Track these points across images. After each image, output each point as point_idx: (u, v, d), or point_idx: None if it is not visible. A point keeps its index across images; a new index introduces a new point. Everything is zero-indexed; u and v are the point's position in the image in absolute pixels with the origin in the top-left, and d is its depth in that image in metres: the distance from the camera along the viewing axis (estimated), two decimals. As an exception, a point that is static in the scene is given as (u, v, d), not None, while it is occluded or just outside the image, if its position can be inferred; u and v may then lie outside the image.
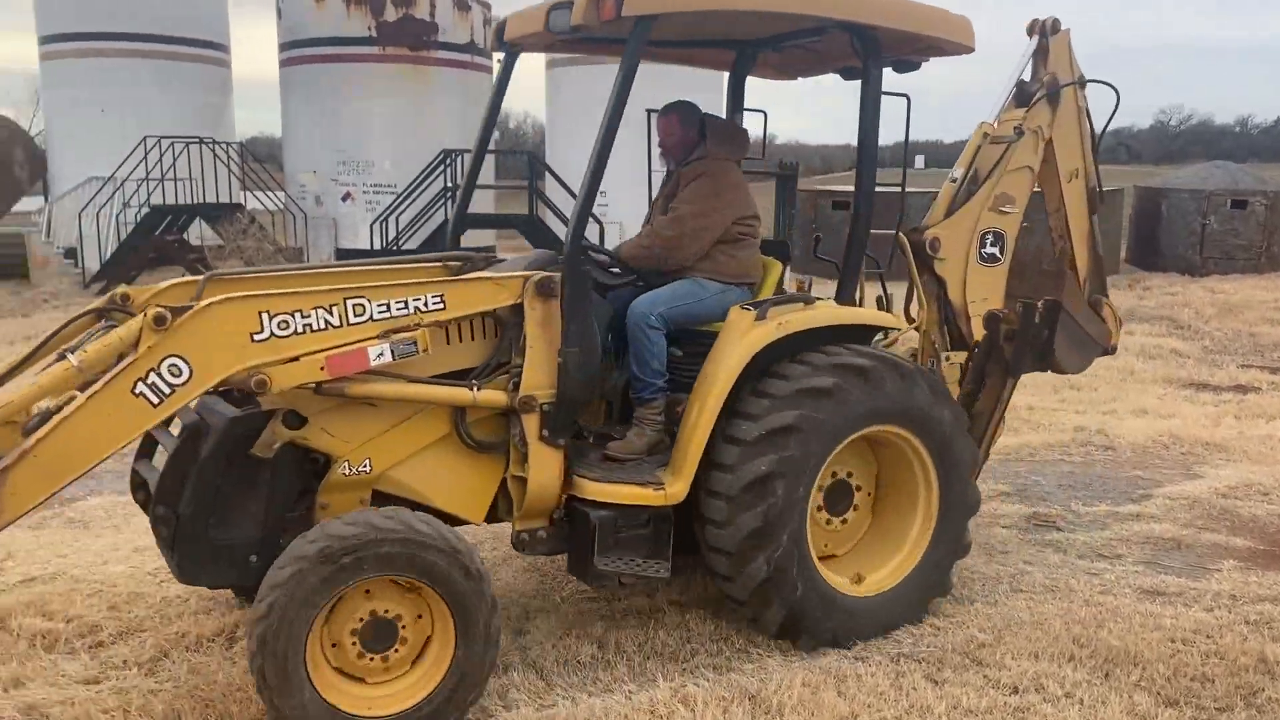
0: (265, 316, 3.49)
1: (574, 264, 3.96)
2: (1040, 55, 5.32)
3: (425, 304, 3.77)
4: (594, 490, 4.04)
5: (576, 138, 18.54)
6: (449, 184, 17.89)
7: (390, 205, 18.37)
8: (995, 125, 5.23)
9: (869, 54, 4.42)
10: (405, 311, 3.72)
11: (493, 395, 3.94)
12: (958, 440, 4.52)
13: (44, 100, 22.30)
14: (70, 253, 19.30)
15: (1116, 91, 5.30)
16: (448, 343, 3.96)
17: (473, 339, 4.02)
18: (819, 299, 4.53)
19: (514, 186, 19.44)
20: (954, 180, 5.17)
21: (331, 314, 3.61)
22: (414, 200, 18.30)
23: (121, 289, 3.78)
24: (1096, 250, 5.59)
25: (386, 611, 3.54)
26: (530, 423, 3.97)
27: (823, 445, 4.17)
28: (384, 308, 3.69)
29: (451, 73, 20.42)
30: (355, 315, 3.65)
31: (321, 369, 3.57)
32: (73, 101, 20.74)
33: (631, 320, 4.34)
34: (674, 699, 3.81)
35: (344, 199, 20.24)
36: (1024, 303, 5.01)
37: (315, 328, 3.58)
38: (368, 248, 18.38)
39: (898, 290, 5.21)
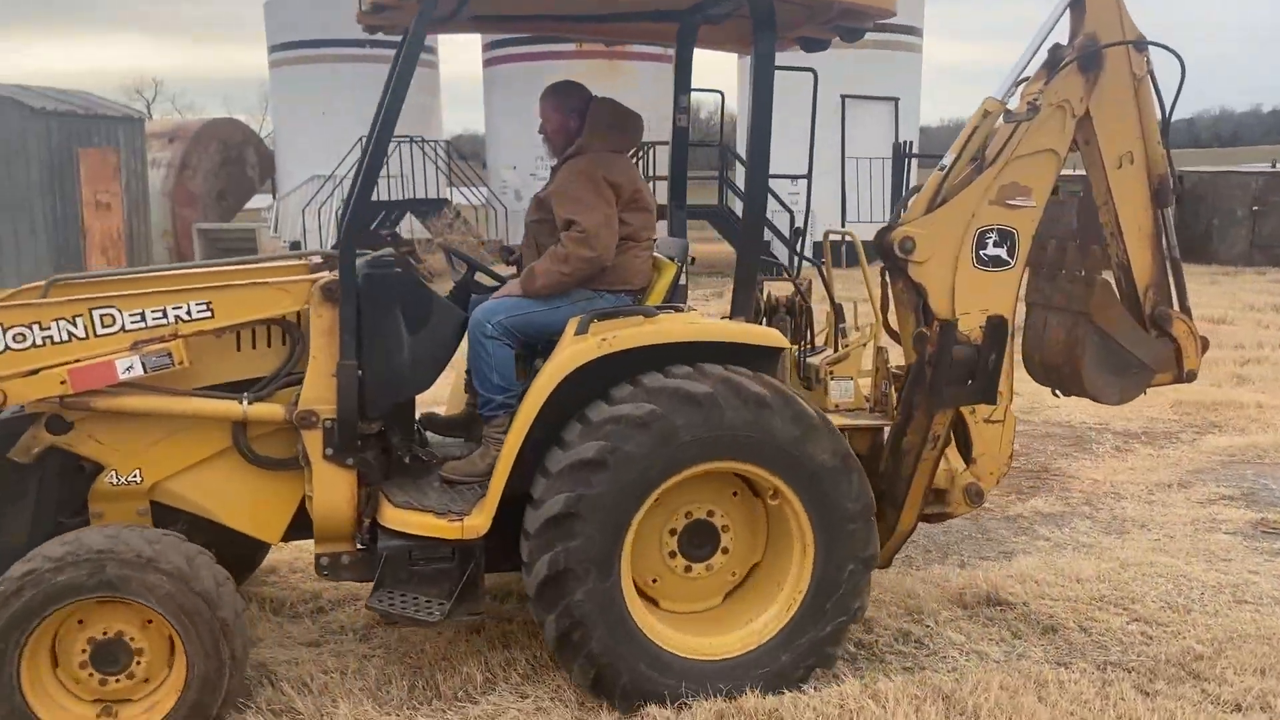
0: None
1: (347, 265, 3.64)
2: (1077, 11, 4.38)
3: (188, 313, 3.62)
4: (390, 517, 3.74)
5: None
6: (647, 175, 18.24)
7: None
8: (1004, 100, 4.40)
9: (758, 22, 3.86)
10: (162, 321, 3.60)
11: (268, 409, 3.71)
12: (839, 483, 3.76)
13: (272, 105, 24.11)
14: (295, 246, 20.75)
15: (1181, 59, 4.38)
16: (238, 350, 3.79)
17: (268, 346, 3.81)
18: (689, 311, 3.94)
19: (704, 177, 19.53)
20: (942, 169, 4.40)
21: (75, 325, 3.55)
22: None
23: None
24: (1164, 252, 4.63)
25: (105, 633, 3.45)
26: (311, 440, 3.71)
27: (637, 484, 3.59)
28: (137, 317, 3.59)
29: (647, 66, 20.72)
30: (104, 326, 3.57)
31: (63, 383, 3.50)
32: (297, 105, 22.28)
33: (469, 329, 4.05)
34: (864, 694, 3.76)
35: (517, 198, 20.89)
36: (942, 321, 4.17)
37: (56, 339, 3.53)
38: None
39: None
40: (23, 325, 3.51)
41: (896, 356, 4.42)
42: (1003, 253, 4.42)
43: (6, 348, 3.50)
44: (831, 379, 4.54)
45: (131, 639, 3.45)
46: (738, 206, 17.44)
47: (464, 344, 4.14)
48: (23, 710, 3.33)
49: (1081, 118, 4.44)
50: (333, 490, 3.74)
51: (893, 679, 3.90)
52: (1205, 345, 4.74)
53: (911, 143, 18.81)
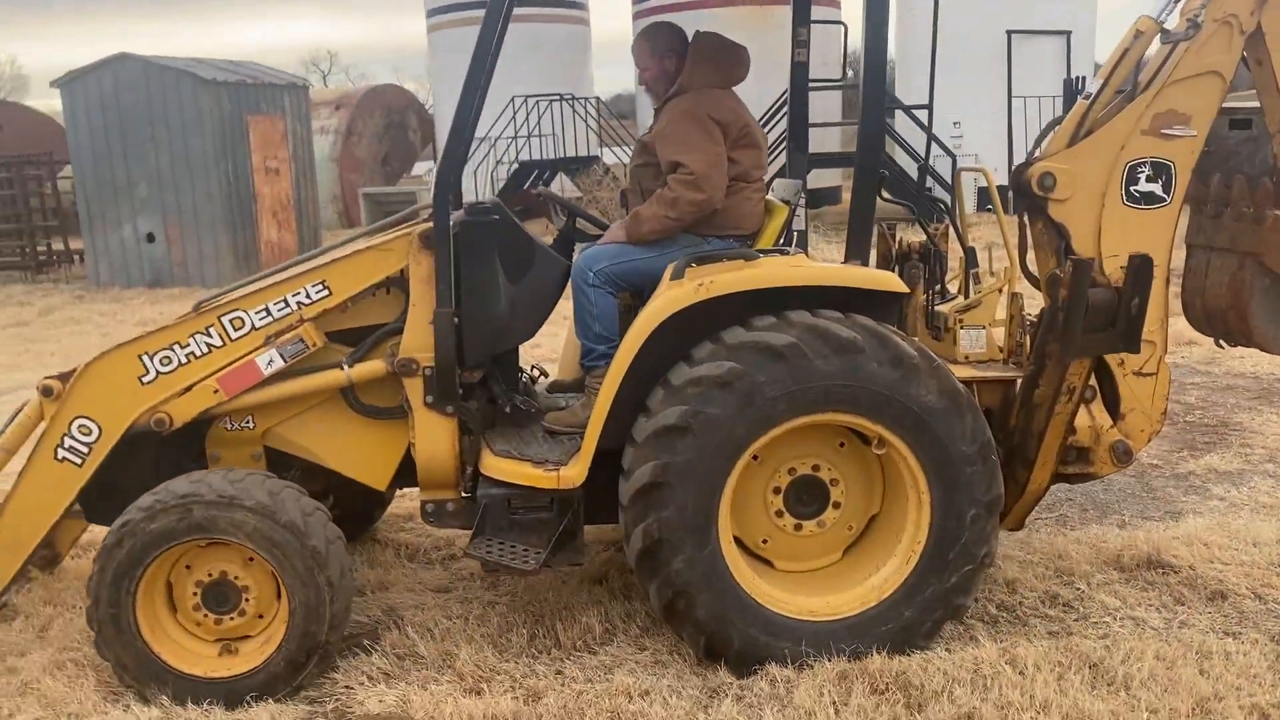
0: (146, 359, 3.70)
1: (441, 212, 3.61)
2: None
3: (307, 296, 3.74)
4: (490, 466, 3.69)
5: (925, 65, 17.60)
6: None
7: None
8: (1160, 19, 3.94)
9: None
10: (286, 310, 3.74)
11: (369, 367, 3.76)
12: (950, 424, 3.47)
13: (430, 68, 24.63)
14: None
15: None
16: (374, 297, 3.84)
17: (389, 294, 3.86)
18: (797, 254, 3.72)
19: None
20: (1088, 97, 3.97)
21: (210, 335, 3.73)
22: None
23: None
24: None
25: (211, 575, 3.55)
26: (413, 388, 3.72)
27: (725, 446, 3.43)
28: (263, 314, 3.74)
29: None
30: (235, 330, 3.74)
31: (215, 392, 3.71)
32: (454, 67, 22.68)
33: (572, 277, 3.93)
34: (1001, 659, 3.52)
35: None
36: (1075, 260, 3.69)
37: (198, 354, 3.73)
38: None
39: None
40: (165, 349, 3.74)
41: (1035, 304, 4.09)
42: (1157, 188, 4.03)
43: (157, 374, 3.73)
44: (961, 328, 4.23)
45: (236, 577, 3.56)
46: (897, 153, 16.79)
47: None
48: (145, 655, 3.48)
49: (1252, 34, 3.99)
50: (434, 438, 3.74)
51: (1035, 643, 3.64)
52: None
53: (1085, 79, 17.59)
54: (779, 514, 3.74)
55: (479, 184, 19.95)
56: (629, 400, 3.57)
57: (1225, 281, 4.18)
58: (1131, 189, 4.01)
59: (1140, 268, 3.66)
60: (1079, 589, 4.13)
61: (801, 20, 4.63)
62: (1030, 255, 4.23)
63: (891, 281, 3.70)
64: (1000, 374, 4.10)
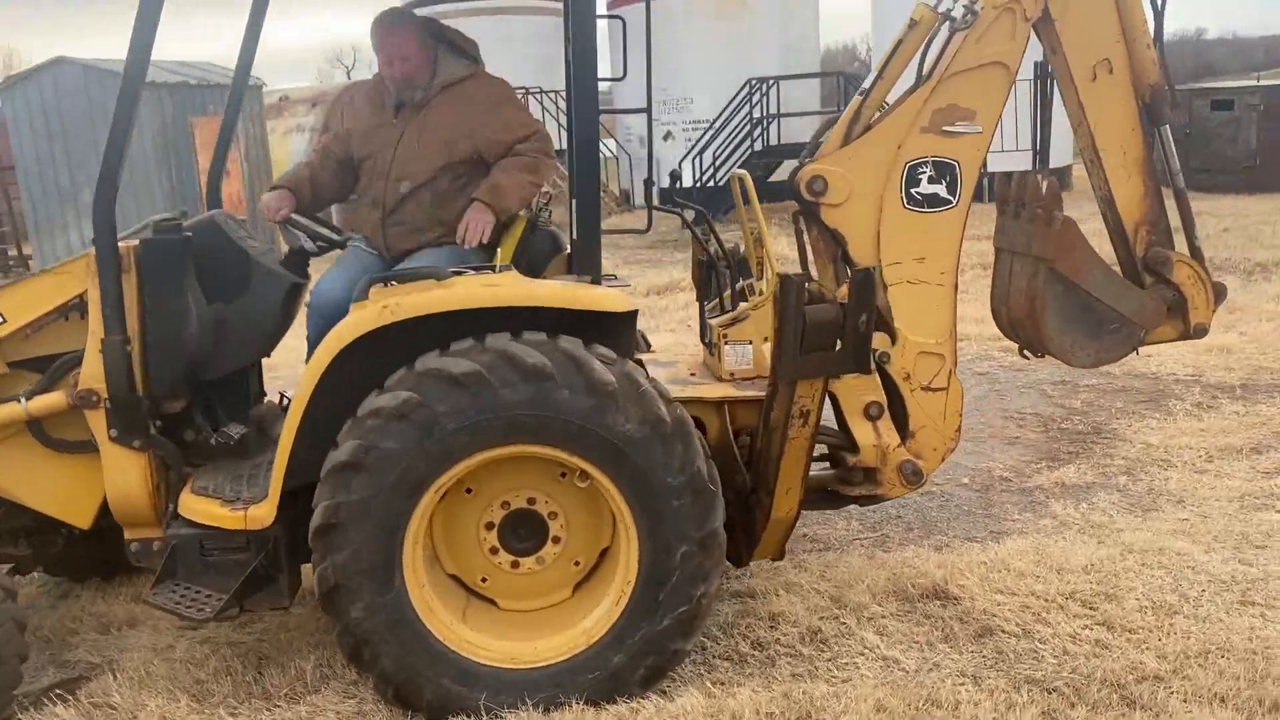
0: None
1: (101, 234, 3.32)
2: None
3: None
4: (183, 503, 3.47)
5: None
6: (763, 115, 17.52)
7: (698, 140, 18.22)
8: (935, 6, 3.65)
9: None
10: None
11: (48, 400, 3.52)
12: (651, 454, 3.18)
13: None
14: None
15: None
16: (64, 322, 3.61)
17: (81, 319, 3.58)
18: (506, 272, 3.41)
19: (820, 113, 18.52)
20: (862, 94, 3.70)
21: None
22: (727, 133, 18.07)
23: None
24: (1155, 181, 3.77)
25: None
26: (96, 421, 3.48)
27: (403, 484, 3.16)
28: None
29: (772, -1, 19.74)
30: None
31: None
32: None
33: (311, 301, 3.71)
34: (706, 709, 3.23)
35: (664, 138, 20.32)
36: (783, 276, 3.35)
37: None
38: (689, 185, 18.37)
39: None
40: None
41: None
42: (941, 189, 3.75)
43: None
44: (725, 343, 3.95)
45: None
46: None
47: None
48: None
49: (1040, 19, 3.69)
50: (122, 474, 3.50)
51: (759, 692, 3.36)
52: (1220, 293, 3.92)
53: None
54: (494, 551, 3.49)
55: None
56: (327, 433, 3.33)
57: (1023, 288, 3.90)
58: (912, 191, 3.74)
59: (863, 282, 3.36)
60: (845, 624, 3.85)
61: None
62: (813, 264, 3.98)
63: (605, 300, 3.41)
64: (749, 394, 3.81)
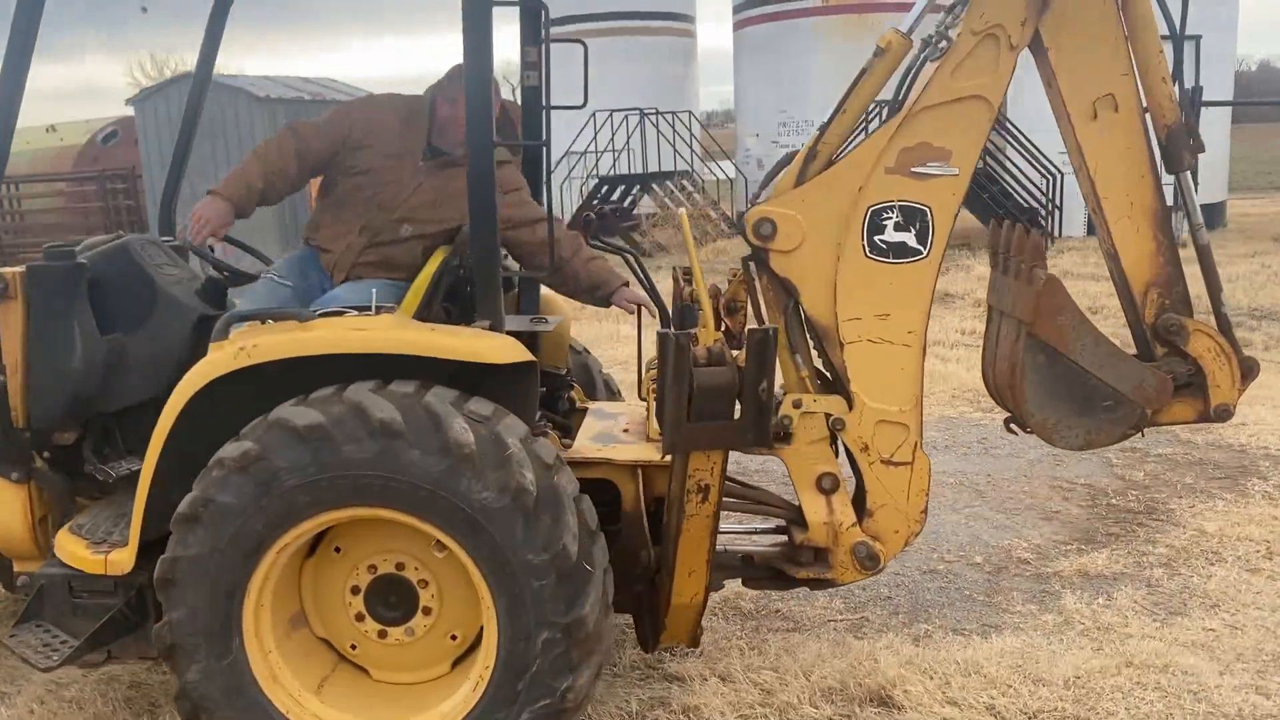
0: None
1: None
2: None
3: None
4: (56, 540, 3.34)
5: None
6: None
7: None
8: (908, 33, 3.20)
9: None
10: None
11: None
12: (510, 528, 2.85)
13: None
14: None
15: None
16: None
17: None
18: (387, 313, 3.15)
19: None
20: (820, 129, 3.28)
21: None
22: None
23: None
24: (1169, 237, 3.23)
25: None
26: None
27: (240, 542, 2.91)
28: None
29: (897, 19, 19.01)
30: None
31: None
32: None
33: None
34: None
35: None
36: (662, 334, 2.96)
37: None
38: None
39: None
40: None
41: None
42: (909, 238, 3.29)
43: None
44: (654, 397, 3.57)
45: None
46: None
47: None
48: None
49: (1034, 47, 3.24)
50: (1, 506, 3.41)
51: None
52: (1250, 370, 3.34)
53: (1202, 89, 15.79)
54: (360, 617, 3.22)
55: (567, 198, 19.82)
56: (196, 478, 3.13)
57: (1006, 353, 3.42)
58: (876, 239, 3.29)
59: (762, 341, 2.94)
60: None
61: (530, 39, 4.06)
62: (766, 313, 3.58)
63: (481, 351, 3.09)
64: (661, 458, 3.42)
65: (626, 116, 19.13)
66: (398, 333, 3.10)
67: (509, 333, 3.27)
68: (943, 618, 4.27)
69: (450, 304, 3.66)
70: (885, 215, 3.27)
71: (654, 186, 19.24)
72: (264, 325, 3.13)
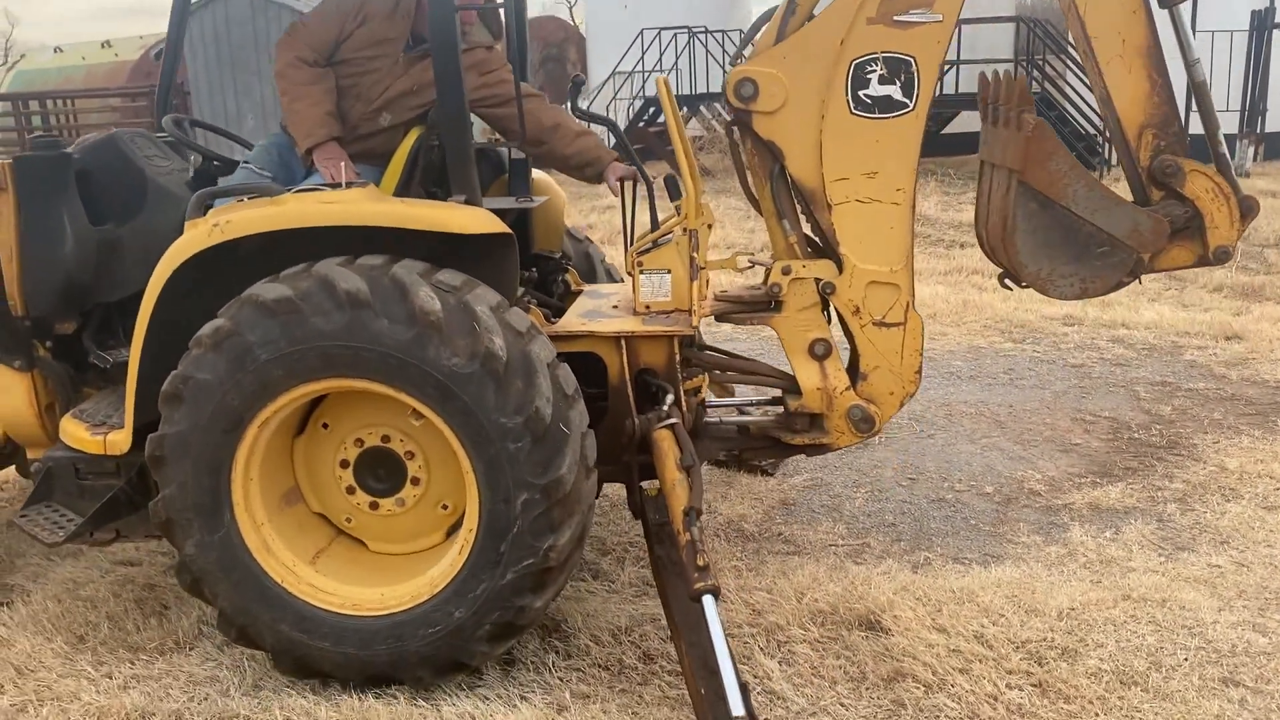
0: None
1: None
2: None
3: None
4: (62, 426, 3.49)
5: None
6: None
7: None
8: None
9: None
10: None
11: None
12: (481, 393, 2.89)
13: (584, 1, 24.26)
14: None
15: None
16: None
17: None
18: (361, 187, 3.21)
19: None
20: None
21: None
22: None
23: None
24: (1163, 76, 3.16)
25: None
26: None
27: (220, 417, 3.00)
28: None
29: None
30: None
31: None
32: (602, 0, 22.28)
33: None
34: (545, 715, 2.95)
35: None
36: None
37: None
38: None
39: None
40: None
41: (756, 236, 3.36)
42: (894, 91, 3.27)
43: None
44: (641, 272, 3.54)
45: None
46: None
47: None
48: None
49: None
50: (5, 392, 3.60)
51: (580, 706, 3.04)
52: (1251, 208, 3.29)
53: (1276, 10, 15.07)
54: (350, 490, 3.33)
55: (616, 117, 19.57)
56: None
57: (998, 206, 3.39)
58: (860, 94, 3.28)
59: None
60: (749, 646, 3.44)
61: None
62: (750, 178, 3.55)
63: (448, 221, 3.11)
64: (645, 329, 3.43)
65: (675, 35, 18.77)
66: (368, 205, 3.15)
67: (495, 211, 3.29)
68: (945, 546, 4.26)
69: (438, 188, 3.67)
70: (869, 68, 3.24)
71: (701, 108, 18.89)
72: (238, 203, 3.18)
